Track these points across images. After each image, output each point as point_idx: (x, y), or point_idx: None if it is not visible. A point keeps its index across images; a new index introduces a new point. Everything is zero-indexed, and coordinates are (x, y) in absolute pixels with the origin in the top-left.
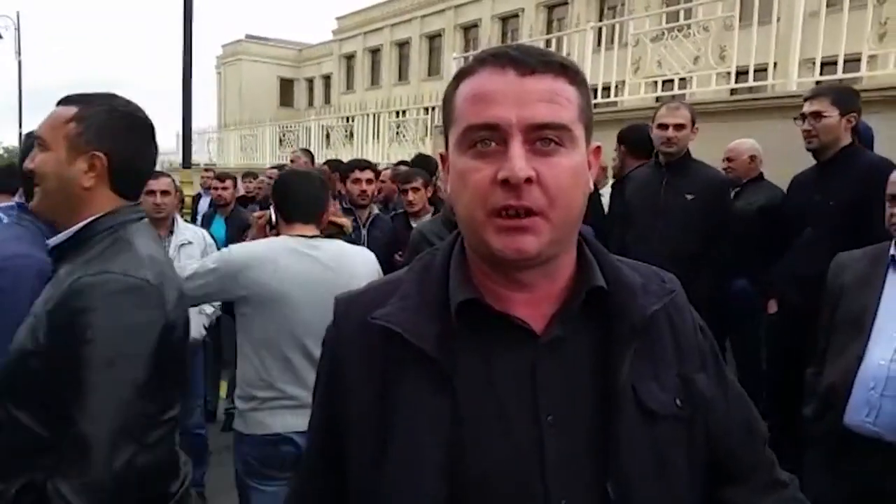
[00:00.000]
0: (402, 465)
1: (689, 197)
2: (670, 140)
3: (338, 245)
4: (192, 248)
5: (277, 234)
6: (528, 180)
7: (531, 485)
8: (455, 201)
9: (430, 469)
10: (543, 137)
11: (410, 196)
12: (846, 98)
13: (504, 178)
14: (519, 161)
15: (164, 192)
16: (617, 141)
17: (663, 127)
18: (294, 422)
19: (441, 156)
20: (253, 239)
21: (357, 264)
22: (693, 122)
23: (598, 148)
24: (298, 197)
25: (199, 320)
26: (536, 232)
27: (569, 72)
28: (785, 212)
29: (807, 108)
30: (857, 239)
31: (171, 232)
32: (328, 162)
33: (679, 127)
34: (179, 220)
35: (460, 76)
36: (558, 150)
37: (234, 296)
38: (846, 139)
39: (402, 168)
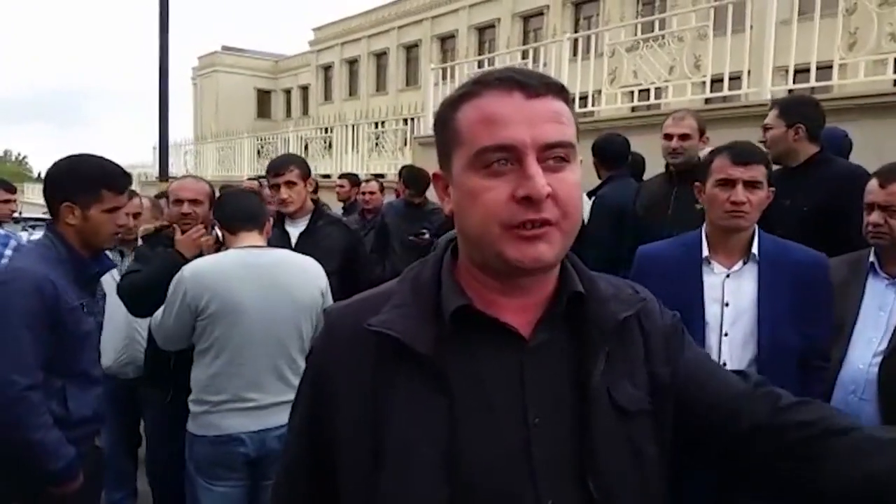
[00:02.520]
0: (401, 467)
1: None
2: (675, 150)
3: (282, 253)
4: None
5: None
6: (547, 196)
7: (520, 485)
8: (464, 218)
9: (431, 470)
10: (554, 156)
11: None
12: (793, 110)
13: (525, 196)
14: (540, 179)
15: (136, 215)
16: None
17: (668, 137)
18: (245, 423)
19: (435, 175)
20: None
21: (300, 271)
22: (701, 132)
23: (580, 161)
24: (237, 209)
25: None
26: (551, 241)
27: (563, 93)
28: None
29: None
30: (829, 244)
31: None
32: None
33: (683, 137)
34: None
35: (461, 99)
36: (565, 166)
37: (196, 313)
38: (806, 149)
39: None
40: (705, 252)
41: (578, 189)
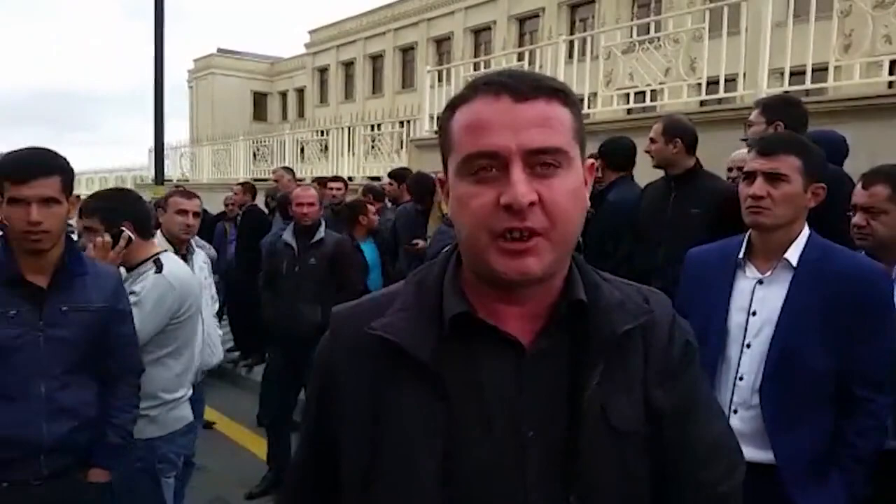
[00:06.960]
0: (397, 476)
1: (695, 211)
2: (648, 153)
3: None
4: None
5: (128, 254)
6: (531, 204)
7: (514, 495)
8: (457, 225)
9: (426, 480)
10: (542, 162)
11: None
12: (774, 107)
13: (507, 203)
14: (521, 187)
15: (195, 214)
16: (597, 153)
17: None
18: (190, 411)
19: (440, 180)
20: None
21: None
22: (671, 136)
23: (593, 164)
24: (149, 214)
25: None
26: (538, 253)
27: (560, 94)
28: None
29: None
30: None
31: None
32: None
33: (651, 141)
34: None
35: (455, 104)
36: (556, 173)
37: (171, 318)
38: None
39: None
40: (741, 254)
41: (573, 196)
